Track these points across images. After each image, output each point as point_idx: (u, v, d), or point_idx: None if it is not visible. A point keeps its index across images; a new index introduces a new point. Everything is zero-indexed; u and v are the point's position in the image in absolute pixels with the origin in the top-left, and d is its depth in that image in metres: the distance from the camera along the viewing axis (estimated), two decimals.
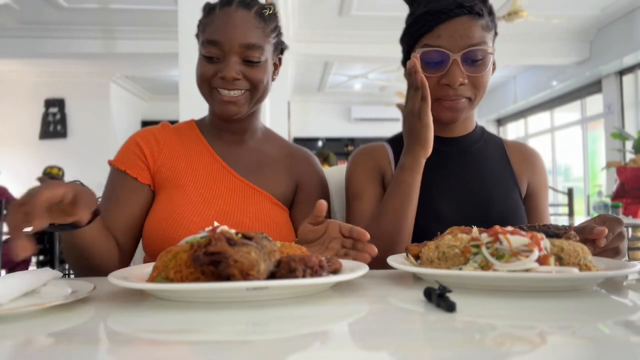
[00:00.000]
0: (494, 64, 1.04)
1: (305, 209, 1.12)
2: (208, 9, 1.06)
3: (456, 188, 1.07)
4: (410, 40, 1.04)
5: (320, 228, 0.86)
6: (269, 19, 1.07)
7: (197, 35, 1.10)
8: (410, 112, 0.96)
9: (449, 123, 1.07)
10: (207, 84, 1.04)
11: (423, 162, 0.97)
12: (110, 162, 1.09)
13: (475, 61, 0.98)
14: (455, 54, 0.97)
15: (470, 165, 1.10)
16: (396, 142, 1.17)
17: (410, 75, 0.94)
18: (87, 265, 0.95)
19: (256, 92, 1.05)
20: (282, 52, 1.15)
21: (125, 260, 1.05)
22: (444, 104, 1.01)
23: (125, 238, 1.04)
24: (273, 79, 1.12)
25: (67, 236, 0.90)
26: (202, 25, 1.06)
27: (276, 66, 1.14)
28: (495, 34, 1.05)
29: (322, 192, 1.19)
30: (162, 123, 1.16)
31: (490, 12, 1.03)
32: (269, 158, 1.15)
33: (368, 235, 0.79)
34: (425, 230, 1.02)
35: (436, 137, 1.02)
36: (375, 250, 0.79)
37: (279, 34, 1.11)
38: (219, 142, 1.12)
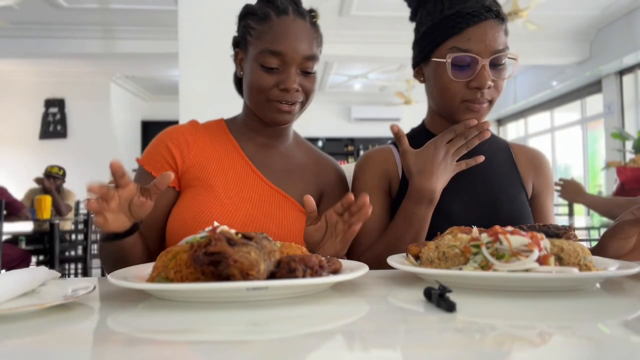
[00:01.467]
0: None
1: None
2: (262, 16, 1.02)
3: (465, 190, 1.07)
4: (436, 40, 1.02)
5: (321, 224, 0.87)
6: (318, 27, 1.08)
7: (241, 40, 1.07)
8: (447, 155, 0.99)
9: None
10: (265, 95, 1.02)
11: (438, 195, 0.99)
12: (138, 160, 1.09)
13: (499, 65, 1.00)
14: (484, 58, 0.97)
15: (478, 167, 1.10)
16: None
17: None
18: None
19: (307, 101, 1.06)
20: None
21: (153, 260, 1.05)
22: (472, 107, 1.00)
23: (152, 239, 1.05)
24: None
25: (109, 243, 0.91)
26: (257, 32, 1.02)
27: None
28: None
29: None
30: (191, 121, 1.14)
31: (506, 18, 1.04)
32: (298, 164, 1.14)
33: (353, 199, 0.83)
34: (435, 232, 1.02)
35: None
36: (366, 205, 0.83)
37: (322, 41, 1.10)
38: (250, 144, 1.12)
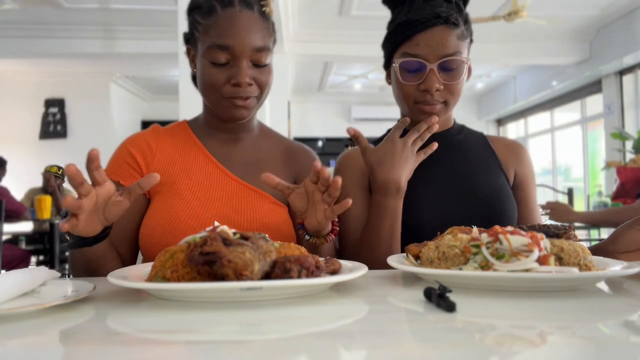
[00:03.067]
0: (469, 70, 1.09)
1: None
2: (207, 9, 0.99)
3: (440, 176, 1.11)
4: (391, 46, 1.09)
5: (300, 191, 0.89)
6: (268, 17, 1.04)
7: (191, 37, 1.05)
8: (405, 147, 1.02)
9: None
10: (218, 92, 1.00)
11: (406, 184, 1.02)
12: None
13: (450, 69, 1.04)
14: (431, 63, 1.02)
15: (453, 153, 1.14)
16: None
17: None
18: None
19: (263, 95, 1.04)
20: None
21: None
22: (423, 108, 1.05)
23: (124, 248, 1.03)
24: None
25: (78, 251, 0.88)
26: (203, 27, 0.99)
27: None
28: (471, 41, 1.10)
29: None
30: (153, 126, 1.13)
31: (466, 21, 1.08)
32: (266, 155, 1.13)
33: (327, 174, 0.84)
34: (410, 221, 1.04)
35: None
36: (336, 183, 0.83)
37: (275, 30, 1.08)
38: (214, 142, 1.10)
